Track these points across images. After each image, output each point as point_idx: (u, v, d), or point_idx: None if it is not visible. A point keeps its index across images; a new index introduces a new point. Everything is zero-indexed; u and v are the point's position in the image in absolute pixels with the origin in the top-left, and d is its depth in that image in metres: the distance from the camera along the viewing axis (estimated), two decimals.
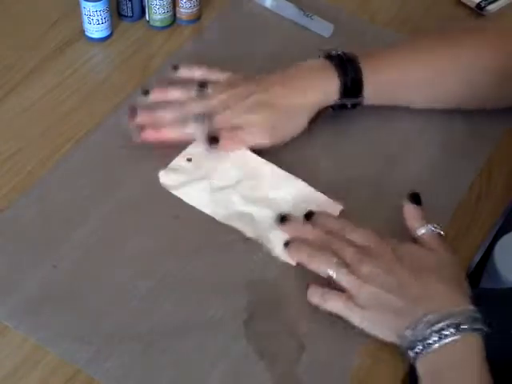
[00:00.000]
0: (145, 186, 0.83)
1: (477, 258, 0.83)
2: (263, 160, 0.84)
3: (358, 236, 0.74)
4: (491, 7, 1.07)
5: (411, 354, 0.67)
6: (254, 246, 0.78)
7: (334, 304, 0.71)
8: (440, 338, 0.65)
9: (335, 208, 0.80)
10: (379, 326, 0.70)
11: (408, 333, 0.67)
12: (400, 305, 0.68)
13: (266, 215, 0.79)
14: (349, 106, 0.87)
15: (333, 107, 0.87)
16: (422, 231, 0.74)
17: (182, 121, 0.84)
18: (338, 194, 0.82)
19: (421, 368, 0.67)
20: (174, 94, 0.87)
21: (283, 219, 0.77)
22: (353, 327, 0.71)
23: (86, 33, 0.99)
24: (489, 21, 0.96)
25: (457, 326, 0.65)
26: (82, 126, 0.89)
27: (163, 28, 1.02)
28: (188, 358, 0.69)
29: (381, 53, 0.88)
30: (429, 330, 0.65)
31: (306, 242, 0.75)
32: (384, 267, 0.70)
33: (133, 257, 0.76)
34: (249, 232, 0.78)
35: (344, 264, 0.71)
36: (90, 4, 0.95)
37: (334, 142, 0.89)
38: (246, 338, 0.71)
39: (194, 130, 0.83)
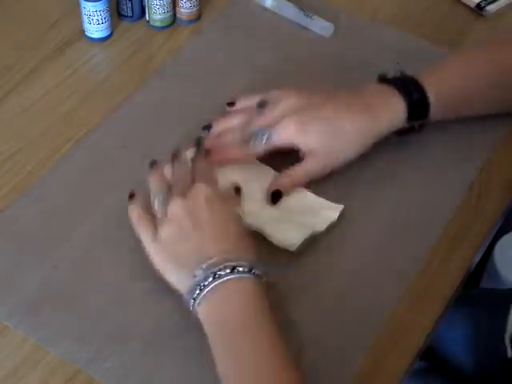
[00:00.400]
0: (145, 186, 0.83)
1: (477, 258, 0.83)
2: (264, 165, 0.84)
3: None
4: (491, 7, 1.07)
5: (191, 301, 0.67)
6: (256, 246, 0.77)
7: (140, 230, 0.73)
8: (214, 278, 0.66)
9: (336, 208, 0.80)
10: (168, 270, 0.71)
11: (189, 278, 0.67)
12: (193, 246, 0.69)
13: (267, 213, 0.80)
14: (416, 127, 0.84)
15: (400, 132, 0.84)
16: None
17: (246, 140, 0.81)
18: (338, 195, 0.82)
19: (201, 312, 0.67)
20: (236, 119, 0.84)
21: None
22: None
23: (86, 33, 0.99)
24: None
25: (233, 268, 0.66)
26: (82, 126, 0.89)
27: (163, 28, 1.02)
28: (188, 357, 0.69)
29: (437, 67, 0.86)
30: (206, 274, 0.66)
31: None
32: (195, 209, 0.71)
33: (133, 257, 0.76)
34: (249, 222, 0.78)
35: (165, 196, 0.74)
36: (90, 4, 0.95)
37: None
38: None
39: (257, 144, 0.80)
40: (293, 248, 0.76)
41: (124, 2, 1.01)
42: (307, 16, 1.03)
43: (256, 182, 0.82)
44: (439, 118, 0.85)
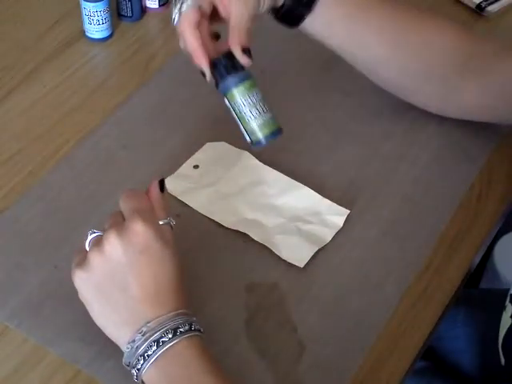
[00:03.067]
0: (145, 186, 0.83)
1: (477, 258, 0.83)
2: (269, 168, 0.84)
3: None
4: (491, 8, 1.07)
5: (134, 372, 0.62)
6: (255, 246, 0.78)
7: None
8: (158, 347, 0.61)
9: (342, 212, 0.80)
10: (103, 314, 0.65)
11: (128, 346, 0.62)
12: (123, 311, 0.63)
13: (273, 222, 0.80)
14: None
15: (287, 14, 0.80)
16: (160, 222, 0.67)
17: None
18: (338, 196, 0.82)
19: (150, 381, 0.62)
20: None
21: None
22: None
23: (87, 33, 0.99)
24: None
25: (175, 330, 0.61)
26: (83, 126, 0.89)
27: None
28: None
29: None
30: (147, 342, 0.61)
31: None
32: (127, 254, 0.63)
33: None
34: (256, 236, 0.78)
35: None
36: (91, 4, 0.95)
37: (333, 143, 0.89)
38: (246, 338, 0.71)
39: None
40: (301, 265, 0.76)
41: (124, 3, 1.01)
42: None
43: (259, 186, 0.83)
44: (317, 31, 0.81)
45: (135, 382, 0.63)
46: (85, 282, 0.65)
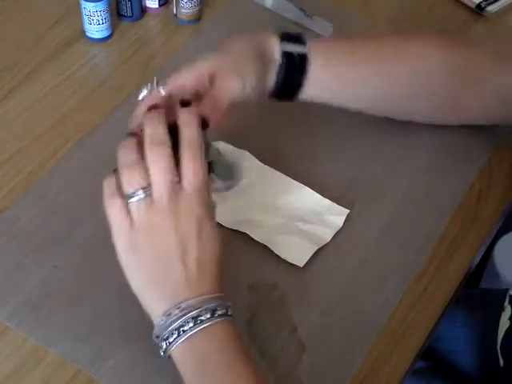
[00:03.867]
0: None
1: (477, 258, 0.83)
2: (269, 167, 0.84)
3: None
4: (491, 8, 1.07)
5: (164, 344, 0.62)
6: (255, 246, 0.78)
7: (112, 217, 0.65)
8: (196, 324, 0.61)
9: (342, 212, 0.80)
10: (141, 280, 0.64)
11: (162, 318, 0.62)
12: (173, 276, 0.63)
13: (273, 222, 0.80)
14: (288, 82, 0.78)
15: (281, 91, 0.78)
16: None
17: None
18: (338, 196, 0.82)
19: (178, 356, 0.62)
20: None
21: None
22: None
23: (87, 33, 0.99)
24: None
25: (213, 311, 0.62)
26: (83, 126, 0.89)
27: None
28: None
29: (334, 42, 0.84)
30: (185, 317, 0.61)
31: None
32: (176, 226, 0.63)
33: None
34: (256, 237, 0.78)
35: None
36: (91, 4, 0.95)
37: (333, 144, 0.89)
38: (247, 338, 0.71)
39: None
40: (301, 264, 0.76)
41: (124, 2, 1.01)
42: (307, 16, 1.03)
43: (259, 186, 0.83)
44: (315, 91, 0.80)
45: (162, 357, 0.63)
46: (128, 233, 0.63)
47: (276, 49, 0.77)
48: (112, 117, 0.90)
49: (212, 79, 0.73)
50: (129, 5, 1.01)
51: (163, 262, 0.63)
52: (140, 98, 0.72)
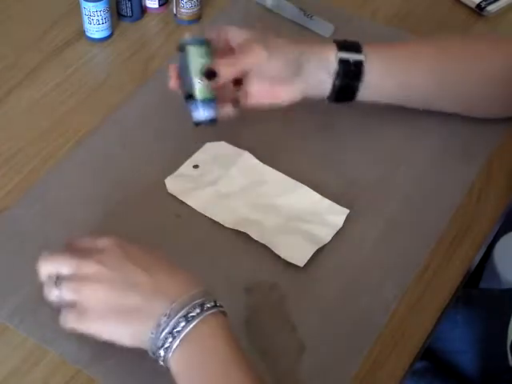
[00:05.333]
0: (145, 186, 0.83)
1: (477, 258, 0.83)
2: (269, 167, 0.84)
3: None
4: (491, 7, 1.07)
5: (162, 352, 0.62)
6: (255, 246, 0.78)
7: (68, 322, 0.66)
8: (188, 322, 0.61)
9: (342, 212, 0.80)
10: (113, 329, 0.65)
11: (152, 332, 0.62)
12: (135, 303, 0.63)
13: (273, 221, 0.80)
14: (342, 84, 0.83)
15: (337, 94, 0.83)
16: None
17: None
18: (338, 196, 0.82)
19: (176, 362, 0.62)
20: None
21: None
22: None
23: (87, 33, 0.99)
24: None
25: (202, 305, 0.62)
26: (82, 126, 0.89)
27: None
28: None
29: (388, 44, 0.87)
30: (175, 319, 0.61)
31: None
32: (111, 263, 0.65)
33: None
34: (256, 236, 0.78)
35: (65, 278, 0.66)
36: (91, 4, 0.95)
37: (333, 145, 0.89)
38: (246, 338, 0.71)
39: None
40: (301, 264, 0.76)
41: (123, 2, 1.01)
42: (307, 16, 1.03)
43: (259, 186, 0.83)
44: (372, 94, 0.84)
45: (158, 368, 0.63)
46: (93, 296, 0.65)
47: (332, 55, 0.81)
48: (112, 117, 0.90)
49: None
50: (129, 5, 1.01)
51: (125, 294, 0.64)
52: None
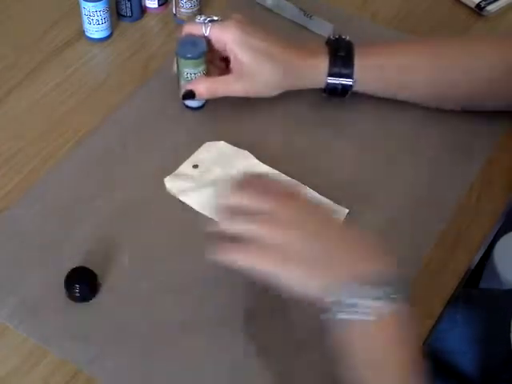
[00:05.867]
0: (145, 186, 0.83)
1: (477, 258, 0.83)
2: (269, 167, 0.84)
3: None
4: (491, 7, 1.07)
5: (341, 315, 0.61)
6: None
7: (255, 261, 0.63)
8: (378, 299, 0.60)
9: (341, 212, 0.80)
10: (308, 279, 0.63)
11: (343, 292, 0.61)
12: (332, 258, 0.63)
13: None
14: (339, 88, 0.87)
15: (325, 90, 0.88)
16: None
17: None
18: (338, 196, 0.82)
19: (352, 332, 0.61)
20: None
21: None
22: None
23: (86, 33, 0.99)
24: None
25: (395, 292, 0.61)
26: (82, 126, 0.89)
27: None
28: (188, 357, 0.69)
29: (375, 44, 0.89)
30: (369, 292, 0.60)
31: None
32: (307, 212, 0.65)
33: (133, 256, 0.76)
34: None
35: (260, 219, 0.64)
36: (90, 4, 0.95)
37: (332, 143, 0.89)
38: (246, 338, 0.71)
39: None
40: None
41: (123, 2, 1.01)
42: (307, 16, 1.03)
43: None
44: (366, 86, 0.87)
45: None
46: (291, 241, 0.63)
47: (322, 77, 0.86)
48: (112, 117, 0.90)
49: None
50: (128, 5, 1.01)
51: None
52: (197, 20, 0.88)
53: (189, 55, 0.85)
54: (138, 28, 1.03)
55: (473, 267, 0.83)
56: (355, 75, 0.86)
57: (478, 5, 1.07)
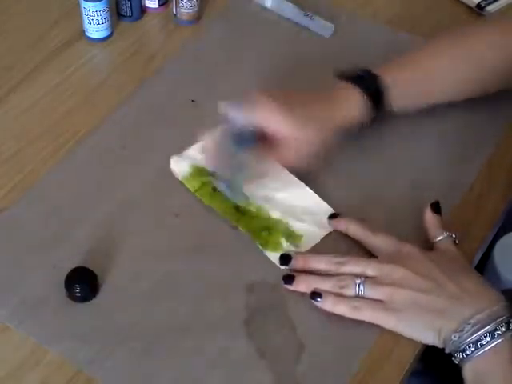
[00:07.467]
0: (145, 186, 0.83)
1: (477, 258, 0.83)
2: (275, 162, 0.84)
3: (380, 241, 0.75)
4: (491, 7, 1.07)
5: (460, 355, 0.67)
6: (255, 246, 0.78)
7: (366, 313, 0.71)
8: (493, 338, 0.66)
9: (325, 209, 0.81)
10: (418, 327, 0.70)
11: (455, 335, 0.67)
12: (441, 305, 0.69)
13: (266, 214, 0.80)
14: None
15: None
16: (439, 238, 0.76)
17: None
18: (338, 196, 0.82)
19: (470, 370, 0.67)
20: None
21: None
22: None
23: (86, 33, 0.99)
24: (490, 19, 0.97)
25: (508, 324, 0.66)
26: (82, 126, 0.89)
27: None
28: (188, 357, 0.69)
29: (395, 60, 0.88)
30: (482, 331, 0.66)
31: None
32: (418, 269, 0.71)
33: (133, 257, 0.76)
34: (244, 228, 0.78)
35: (368, 279, 0.71)
36: (90, 4, 0.95)
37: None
38: (246, 338, 0.71)
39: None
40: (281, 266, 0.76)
41: (123, 2, 1.01)
42: (307, 16, 1.03)
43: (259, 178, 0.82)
44: (404, 105, 0.86)
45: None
46: (401, 298, 0.70)
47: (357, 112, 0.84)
48: (112, 117, 0.90)
49: None
50: (128, 5, 1.01)
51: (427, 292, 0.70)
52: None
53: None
54: (137, 28, 1.03)
55: (473, 267, 0.83)
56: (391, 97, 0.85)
57: (478, 5, 1.07)
